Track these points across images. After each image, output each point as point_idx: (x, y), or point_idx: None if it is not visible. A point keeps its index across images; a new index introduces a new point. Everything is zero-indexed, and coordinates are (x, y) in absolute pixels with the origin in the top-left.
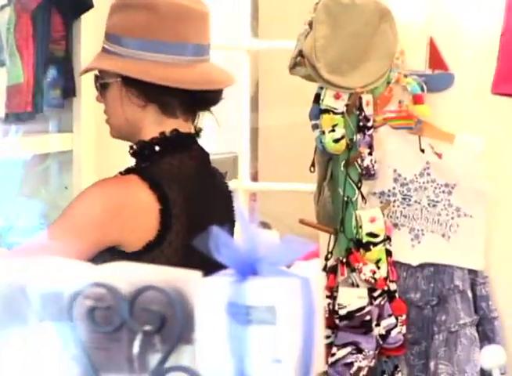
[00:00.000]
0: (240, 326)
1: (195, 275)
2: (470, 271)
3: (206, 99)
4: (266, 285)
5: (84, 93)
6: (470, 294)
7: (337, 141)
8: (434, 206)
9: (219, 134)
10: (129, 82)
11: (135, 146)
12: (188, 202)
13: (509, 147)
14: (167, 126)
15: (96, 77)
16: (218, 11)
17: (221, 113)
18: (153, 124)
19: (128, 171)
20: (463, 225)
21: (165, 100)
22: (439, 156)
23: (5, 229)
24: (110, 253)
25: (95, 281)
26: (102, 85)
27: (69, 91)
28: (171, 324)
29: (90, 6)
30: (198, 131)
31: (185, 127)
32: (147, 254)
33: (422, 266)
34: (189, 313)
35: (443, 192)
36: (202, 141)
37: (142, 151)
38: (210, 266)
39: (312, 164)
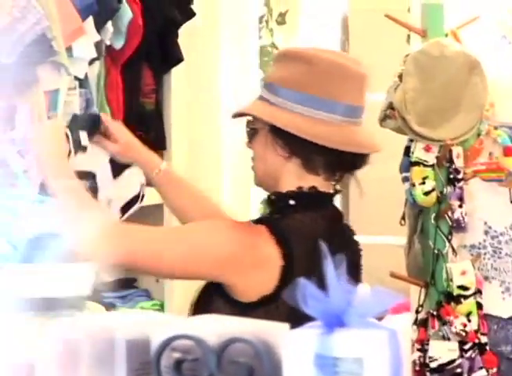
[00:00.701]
0: None
1: (282, 327)
2: None
3: (350, 161)
4: (354, 337)
5: (174, 147)
6: None
7: (427, 194)
8: None
9: None
10: (277, 132)
11: (272, 196)
12: (312, 262)
13: None
14: (307, 182)
15: (247, 123)
16: None
17: None
18: (293, 178)
19: (259, 221)
20: None
21: (309, 156)
22: None
23: None
24: (224, 300)
25: (184, 333)
26: (251, 131)
27: (159, 143)
28: None
29: (180, 60)
30: (336, 192)
31: (324, 186)
32: (261, 307)
33: None
34: (277, 365)
35: None
36: None
37: (277, 203)
38: None
39: (403, 217)
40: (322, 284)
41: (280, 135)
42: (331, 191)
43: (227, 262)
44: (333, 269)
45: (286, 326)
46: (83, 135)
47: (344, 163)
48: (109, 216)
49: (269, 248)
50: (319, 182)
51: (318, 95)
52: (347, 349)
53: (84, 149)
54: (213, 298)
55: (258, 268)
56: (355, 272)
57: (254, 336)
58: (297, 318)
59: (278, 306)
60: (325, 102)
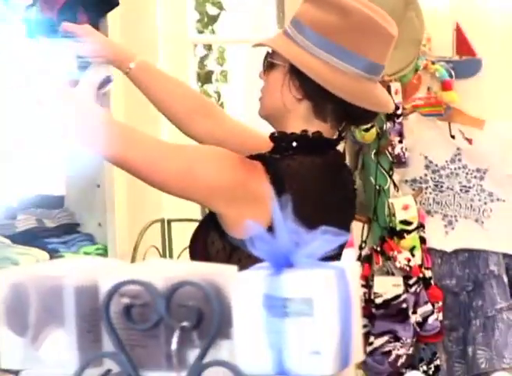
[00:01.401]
0: (278, 318)
1: (231, 269)
2: (505, 255)
3: (359, 115)
4: (302, 277)
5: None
6: (505, 278)
7: (366, 130)
8: (466, 192)
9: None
10: (296, 73)
11: (276, 134)
12: (305, 203)
13: None
14: (313, 126)
15: (267, 55)
16: (246, 4)
17: (252, 107)
18: (301, 120)
19: (258, 157)
20: (496, 209)
21: (322, 103)
22: (470, 142)
23: None
24: (219, 233)
25: (131, 278)
26: (269, 64)
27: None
28: (209, 319)
29: (116, 4)
30: (341, 138)
31: (329, 132)
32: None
33: (456, 252)
34: (226, 308)
35: (475, 177)
36: None
37: (279, 142)
38: None
39: (343, 154)
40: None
41: (299, 76)
42: (335, 137)
43: (218, 191)
44: (279, 211)
45: (234, 268)
46: None
47: (355, 116)
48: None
49: (262, 186)
50: (324, 129)
51: (345, 47)
52: (295, 289)
53: None
54: (210, 230)
55: (250, 204)
56: (351, 213)
57: (203, 279)
58: None
59: None
60: (350, 54)
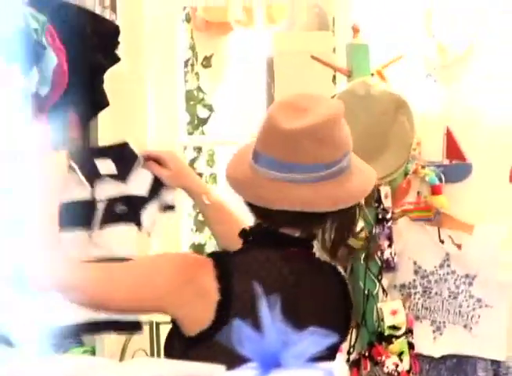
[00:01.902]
0: None
1: (219, 369)
2: (493, 362)
3: (278, 215)
4: None
5: None
6: None
7: (356, 234)
8: (454, 298)
9: None
10: None
11: (243, 230)
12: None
13: None
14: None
15: None
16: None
17: (241, 210)
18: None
19: (212, 254)
20: (484, 316)
21: None
22: (459, 247)
23: None
24: (178, 335)
25: None
26: None
27: None
28: None
29: (106, 105)
30: (310, 239)
31: (292, 231)
32: (201, 343)
33: (444, 358)
34: None
35: (464, 283)
36: None
37: (243, 237)
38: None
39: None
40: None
41: None
42: (297, 235)
43: (167, 294)
44: (267, 310)
45: (222, 368)
46: (104, 165)
47: (276, 217)
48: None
49: (208, 282)
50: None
51: (257, 149)
52: None
53: (114, 177)
54: (172, 332)
55: (196, 301)
56: (329, 317)
57: None
58: (237, 356)
59: (216, 342)
60: (261, 155)
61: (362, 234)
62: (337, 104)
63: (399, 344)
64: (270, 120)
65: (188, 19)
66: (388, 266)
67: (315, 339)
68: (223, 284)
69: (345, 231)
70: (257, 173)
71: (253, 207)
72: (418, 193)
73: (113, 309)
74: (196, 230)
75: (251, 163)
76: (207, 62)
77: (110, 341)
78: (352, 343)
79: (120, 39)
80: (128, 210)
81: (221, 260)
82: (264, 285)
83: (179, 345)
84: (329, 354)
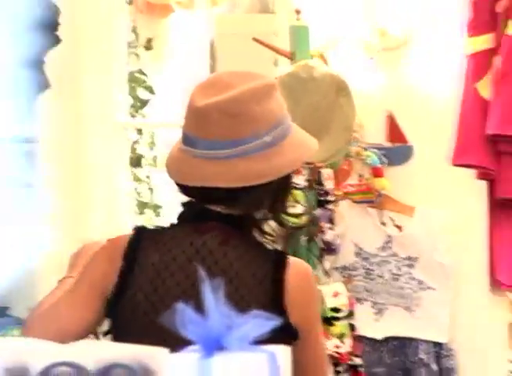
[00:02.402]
0: None
1: (162, 352)
2: (435, 344)
3: (191, 191)
4: (233, 360)
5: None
6: (435, 367)
7: (297, 216)
8: (396, 279)
9: None
10: None
11: None
12: (155, 270)
13: (469, 219)
14: None
15: None
16: (177, 89)
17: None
18: None
19: (137, 227)
20: (426, 298)
21: None
22: (400, 229)
23: None
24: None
25: (62, 360)
26: None
27: None
28: None
29: (47, 86)
30: (243, 215)
31: (220, 207)
32: (115, 303)
33: (386, 340)
34: None
35: (405, 265)
36: None
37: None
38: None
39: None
40: (199, 307)
41: None
42: (212, 208)
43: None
44: (210, 293)
45: (165, 350)
46: None
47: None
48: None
49: (119, 252)
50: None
51: (182, 128)
52: (226, 373)
53: None
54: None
55: (107, 268)
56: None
57: (134, 361)
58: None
59: (124, 304)
60: (183, 134)
61: (304, 216)
62: (263, 79)
63: (340, 326)
64: (189, 98)
65: (130, 2)
66: (330, 248)
67: (258, 322)
68: (129, 252)
69: (277, 207)
70: (181, 152)
71: (179, 186)
72: (360, 175)
73: None
74: (137, 212)
75: (181, 143)
76: (148, 44)
77: None
78: None
79: (60, 21)
80: None
81: (139, 232)
82: (170, 256)
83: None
84: (273, 337)
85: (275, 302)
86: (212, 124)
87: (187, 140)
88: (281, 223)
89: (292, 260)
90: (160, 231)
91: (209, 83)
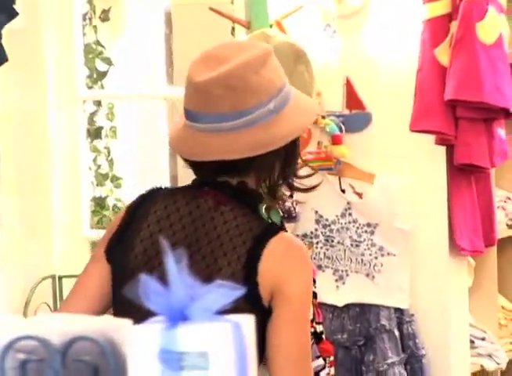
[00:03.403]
0: (174, 372)
1: (126, 323)
2: (396, 310)
3: (191, 164)
4: (197, 330)
5: None
6: (397, 332)
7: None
8: (357, 246)
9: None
10: None
11: None
12: (153, 225)
13: (429, 185)
14: None
15: None
16: (135, 60)
17: (143, 163)
18: None
19: (151, 188)
20: (386, 264)
21: None
22: (360, 196)
23: None
24: None
25: (27, 333)
26: None
27: None
28: (105, 374)
29: (4, 60)
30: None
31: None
32: (112, 252)
33: (348, 307)
34: (122, 362)
35: (365, 232)
36: None
37: None
38: None
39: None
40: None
41: None
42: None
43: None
44: (174, 264)
45: (129, 322)
46: None
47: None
48: None
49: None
50: None
51: (184, 104)
52: (191, 343)
53: None
54: None
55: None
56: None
57: (98, 333)
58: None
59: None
60: (185, 110)
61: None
62: (260, 49)
63: None
64: (188, 73)
65: None
66: (290, 216)
67: (222, 292)
68: (129, 209)
69: (288, 172)
70: (185, 128)
71: (187, 162)
72: (318, 143)
73: None
74: (96, 184)
75: (185, 119)
76: (105, 15)
77: (13, 295)
78: None
79: None
80: None
81: (149, 191)
82: (159, 215)
83: None
84: (241, 308)
85: (246, 270)
86: (214, 99)
87: (190, 115)
88: (293, 187)
89: (280, 235)
90: (167, 191)
91: (205, 58)
